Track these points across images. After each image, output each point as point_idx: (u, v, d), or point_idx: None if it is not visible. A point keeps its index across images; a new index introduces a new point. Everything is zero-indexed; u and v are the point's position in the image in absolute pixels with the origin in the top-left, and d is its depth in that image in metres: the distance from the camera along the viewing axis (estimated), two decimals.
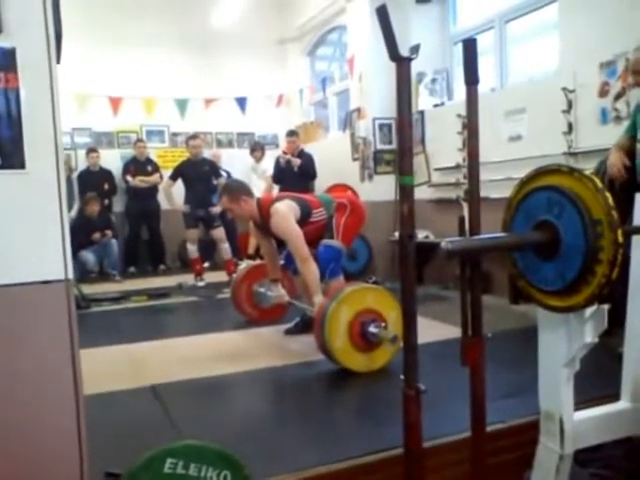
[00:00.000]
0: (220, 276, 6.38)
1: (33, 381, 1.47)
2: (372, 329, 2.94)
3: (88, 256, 6.63)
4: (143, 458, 1.51)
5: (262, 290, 4.08)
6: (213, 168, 6.47)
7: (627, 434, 1.96)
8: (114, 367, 3.29)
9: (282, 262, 4.02)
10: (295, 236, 3.47)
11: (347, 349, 2.96)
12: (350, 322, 2.95)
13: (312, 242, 3.60)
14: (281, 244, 3.85)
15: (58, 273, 1.47)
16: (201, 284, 6.17)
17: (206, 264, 6.96)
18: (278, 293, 3.91)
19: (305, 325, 3.86)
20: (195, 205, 6.15)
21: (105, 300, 5.38)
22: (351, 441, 2.20)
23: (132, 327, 4.52)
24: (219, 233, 6.29)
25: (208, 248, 7.11)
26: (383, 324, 2.96)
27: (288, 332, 3.92)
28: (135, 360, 3.46)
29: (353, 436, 2.27)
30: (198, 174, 6.21)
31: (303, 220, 3.59)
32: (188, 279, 6.28)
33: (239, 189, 3.71)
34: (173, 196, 6.24)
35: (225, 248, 6.30)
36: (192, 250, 6.27)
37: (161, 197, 7.44)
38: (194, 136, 6.49)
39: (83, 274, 6.48)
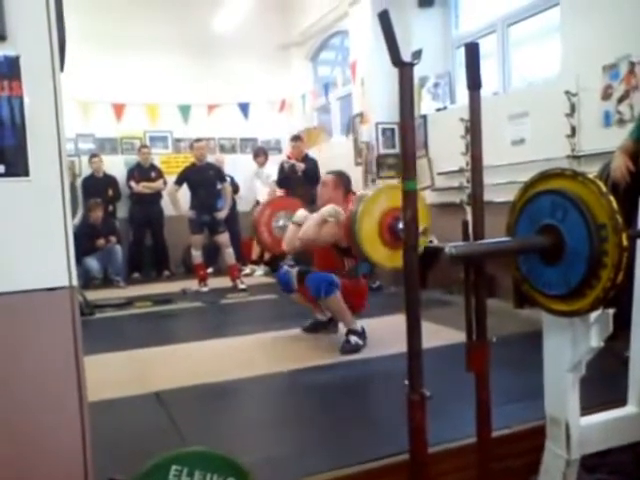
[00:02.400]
0: (224, 282, 6.39)
1: (37, 389, 1.46)
2: (402, 225, 3.01)
3: (92, 263, 6.64)
4: (147, 465, 1.50)
5: (281, 223, 4.29)
6: (218, 173, 6.48)
7: (634, 439, 1.94)
8: (118, 374, 3.28)
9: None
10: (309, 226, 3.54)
11: (374, 239, 3.07)
12: (383, 213, 3.07)
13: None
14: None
15: (62, 280, 1.47)
16: (205, 289, 6.17)
17: (210, 270, 6.97)
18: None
19: (318, 325, 3.98)
20: (200, 210, 6.16)
21: (109, 306, 5.39)
22: (356, 447, 2.19)
23: (136, 333, 4.52)
24: (224, 238, 6.30)
25: (212, 253, 7.12)
26: None
27: (306, 330, 4.00)
28: (139, 366, 3.45)
29: (358, 442, 2.25)
30: (203, 179, 6.22)
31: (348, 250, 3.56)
32: (192, 285, 6.28)
33: (347, 184, 3.78)
34: (179, 201, 6.27)
35: (229, 253, 6.30)
36: (196, 255, 6.27)
37: (165, 203, 7.47)
38: (199, 139, 6.54)
39: (87, 280, 6.49)
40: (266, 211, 4.52)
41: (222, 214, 6.30)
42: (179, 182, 6.28)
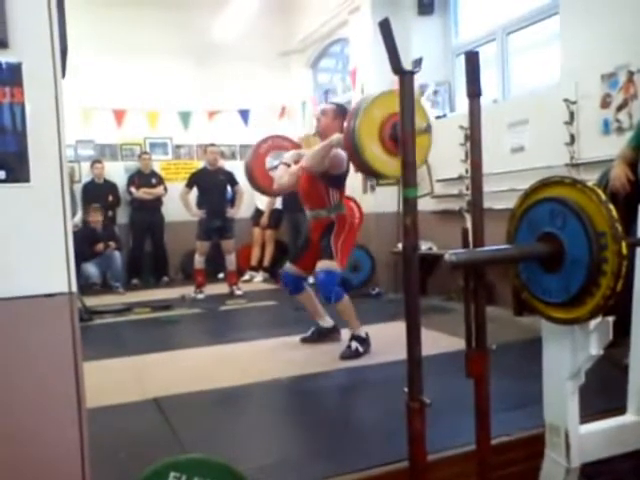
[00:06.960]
0: (223, 288, 6.39)
1: (35, 395, 1.46)
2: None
3: (91, 269, 6.64)
4: (146, 472, 1.50)
5: (275, 162, 4.21)
6: (228, 177, 6.50)
7: (635, 448, 1.93)
8: (117, 380, 3.27)
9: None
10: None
11: (378, 154, 2.92)
12: (382, 122, 2.88)
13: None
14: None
15: (62, 286, 1.47)
16: (200, 297, 6.16)
17: (221, 275, 6.96)
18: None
19: (320, 334, 3.94)
20: (210, 216, 6.17)
21: (108, 312, 5.38)
22: (355, 454, 2.18)
23: (135, 339, 4.51)
24: (229, 244, 6.33)
25: (216, 261, 7.12)
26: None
27: (304, 340, 3.94)
28: (138, 373, 3.44)
29: (357, 449, 2.25)
30: (214, 183, 6.27)
31: (337, 180, 3.70)
32: (191, 291, 6.28)
33: (344, 116, 3.54)
34: (190, 204, 6.29)
35: (231, 260, 6.35)
36: (199, 261, 6.27)
37: (165, 209, 7.49)
38: (213, 144, 6.62)
39: (86, 286, 6.49)
40: (258, 154, 4.43)
41: (233, 212, 6.35)
42: (189, 185, 6.32)
